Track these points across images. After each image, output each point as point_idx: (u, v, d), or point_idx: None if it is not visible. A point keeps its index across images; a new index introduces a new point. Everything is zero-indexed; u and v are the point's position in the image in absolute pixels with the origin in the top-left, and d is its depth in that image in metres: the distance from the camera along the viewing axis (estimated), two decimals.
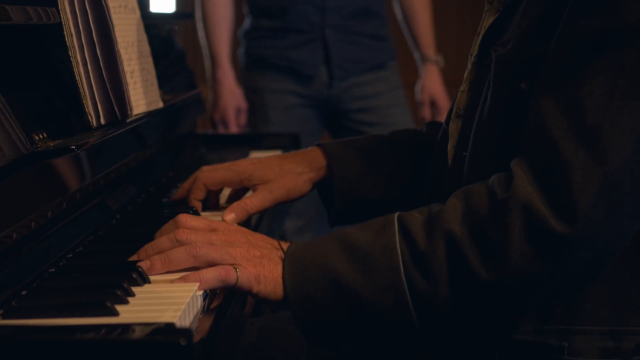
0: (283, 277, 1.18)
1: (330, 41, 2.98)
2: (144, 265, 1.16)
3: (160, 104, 1.74)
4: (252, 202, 1.47)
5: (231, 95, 3.06)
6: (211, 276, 1.15)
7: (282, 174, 1.52)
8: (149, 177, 1.73)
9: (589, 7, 1.11)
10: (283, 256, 1.21)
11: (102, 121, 1.43)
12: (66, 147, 1.25)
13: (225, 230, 1.24)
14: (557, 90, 1.12)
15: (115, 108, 1.46)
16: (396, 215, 1.20)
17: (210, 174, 1.53)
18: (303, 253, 1.20)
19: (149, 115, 1.64)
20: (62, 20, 1.38)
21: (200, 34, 3.13)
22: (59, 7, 1.38)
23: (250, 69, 3.09)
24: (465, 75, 1.37)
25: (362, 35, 3.04)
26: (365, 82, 3.05)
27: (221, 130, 3.08)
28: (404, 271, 1.15)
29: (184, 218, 1.24)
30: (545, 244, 1.10)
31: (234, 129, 3.06)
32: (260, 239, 1.26)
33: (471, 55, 1.36)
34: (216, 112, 3.08)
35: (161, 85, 1.80)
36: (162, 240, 1.20)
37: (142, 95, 1.65)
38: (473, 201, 1.15)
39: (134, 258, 1.20)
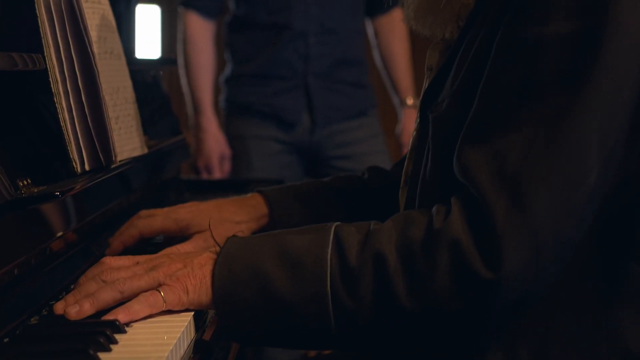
0: (212, 273, 1.19)
1: (312, 88, 2.99)
2: (72, 309, 1.16)
3: (145, 150, 1.74)
4: (185, 248, 1.46)
5: (215, 142, 3.06)
6: (138, 306, 1.16)
7: (221, 222, 1.51)
8: None
9: (509, 62, 1.15)
10: (217, 253, 1.21)
11: (87, 167, 1.43)
12: (50, 194, 1.25)
13: (148, 259, 1.25)
14: (481, 139, 1.15)
15: (100, 154, 1.46)
16: (334, 226, 1.21)
17: (147, 221, 1.51)
18: (237, 251, 1.20)
19: (134, 161, 1.64)
20: (48, 66, 1.39)
21: (183, 81, 3.13)
22: (45, 54, 1.39)
23: (232, 115, 3.10)
24: (411, 142, 1.39)
25: (344, 83, 3.06)
26: (347, 129, 3.07)
27: (205, 177, 3.08)
28: (330, 284, 1.16)
29: (108, 260, 1.26)
30: (469, 285, 1.12)
31: (218, 176, 3.06)
32: (186, 249, 1.26)
33: (415, 121, 1.38)
34: (200, 159, 3.08)
35: (146, 131, 1.81)
36: (88, 283, 1.21)
37: (126, 141, 1.65)
38: (410, 227, 1.16)
39: (60, 304, 1.18)
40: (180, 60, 3.11)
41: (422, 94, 1.37)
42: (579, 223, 1.14)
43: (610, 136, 1.13)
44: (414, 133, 1.39)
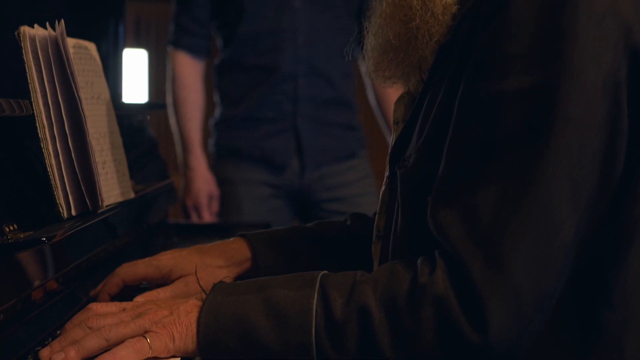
0: (198, 321, 1.18)
1: (302, 131, 3.00)
2: (57, 357, 1.15)
3: (132, 195, 1.74)
4: (165, 293, 1.46)
5: (204, 182, 3.06)
6: (124, 352, 1.15)
7: (204, 267, 1.51)
8: None
9: (472, 119, 1.15)
10: (203, 300, 1.21)
11: (73, 212, 1.42)
12: (36, 239, 1.24)
13: (134, 306, 1.25)
14: (452, 198, 1.15)
15: (87, 199, 1.46)
16: (320, 276, 1.21)
17: (130, 269, 1.50)
18: (223, 299, 1.20)
19: (120, 205, 1.64)
20: (35, 112, 1.40)
21: (172, 120, 3.13)
22: (32, 99, 1.40)
23: (221, 159, 3.10)
24: (380, 196, 1.40)
25: (334, 125, 3.06)
26: (337, 171, 3.07)
27: (194, 217, 3.07)
28: (315, 336, 1.16)
29: (94, 306, 1.25)
30: (454, 343, 1.12)
31: (206, 216, 3.06)
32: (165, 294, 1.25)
33: (385, 175, 1.39)
34: (188, 199, 3.07)
35: (133, 175, 1.81)
36: (74, 330, 1.20)
37: (113, 186, 1.65)
38: (395, 280, 1.16)
39: (46, 351, 1.17)
40: (169, 99, 3.12)
41: (389, 149, 1.37)
42: (558, 276, 1.14)
43: (581, 187, 1.13)
44: (383, 187, 1.39)
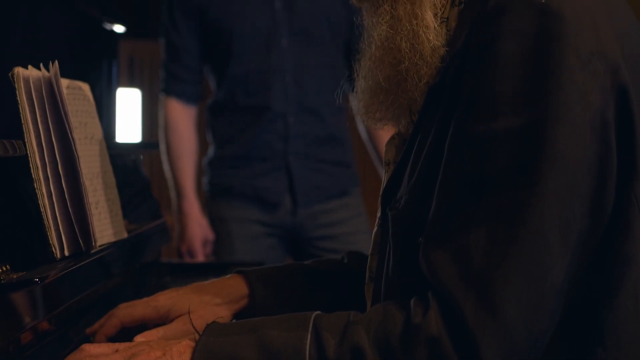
0: None
1: (293, 168, 3.01)
2: None
3: (125, 235, 1.74)
4: (164, 332, 1.44)
5: (198, 227, 3.06)
6: None
7: (201, 305, 1.50)
8: (112, 308, 1.71)
9: (462, 160, 1.16)
10: (196, 341, 1.20)
11: (66, 252, 1.43)
12: (29, 280, 1.24)
13: (127, 347, 1.24)
14: (443, 239, 1.16)
15: (80, 240, 1.46)
16: (313, 316, 1.21)
17: (128, 310, 1.49)
18: (215, 340, 1.20)
19: (113, 245, 1.64)
20: (28, 152, 1.40)
21: (165, 166, 3.14)
22: (25, 140, 1.40)
23: (214, 198, 3.10)
24: (372, 237, 1.40)
25: (326, 162, 3.07)
26: (330, 209, 3.07)
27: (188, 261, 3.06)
28: None
29: (87, 347, 1.25)
30: None
31: (200, 260, 3.05)
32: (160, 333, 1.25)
33: (377, 216, 1.39)
34: (182, 244, 3.07)
35: (126, 215, 1.81)
36: None
37: (106, 226, 1.65)
38: (389, 320, 1.16)
39: None
40: (162, 147, 3.12)
41: (381, 190, 1.38)
42: (549, 316, 1.14)
43: (571, 227, 1.13)
44: (376, 228, 1.39)
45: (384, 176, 1.40)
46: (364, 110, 1.39)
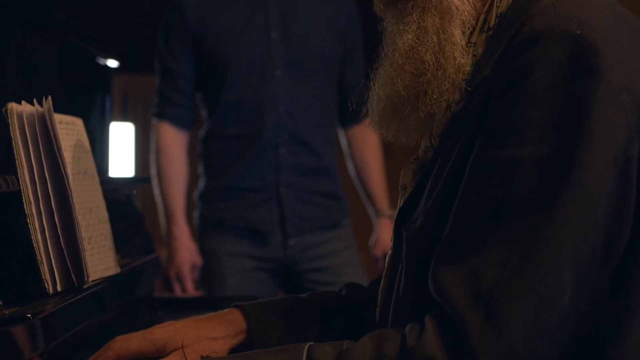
0: None
1: (284, 199, 3.01)
2: None
3: (118, 269, 1.74)
4: None
5: (187, 252, 3.05)
6: None
7: (198, 339, 1.49)
8: (105, 342, 1.71)
9: (484, 182, 1.17)
10: None
11: (59, 288, 1.42)
12: (22, 316, 1.24)
13: None
14: (456, 258, 1.17)
15: (72, 275, 1.46)
16: (307, 346, 1.21)
17: (124, 343, 1.47)
18: None
19: (106, 280, 1.64)
20: (22, 187, 1.40)
21: (156, 190, 3.14)
22: (19, 175, 1.40)
23: (206, 231, 3.10)
24: (386, 261, 1.40)
25: (316, 194, 3.07)
26: (320, 241, 3.07)
27: (176, 287, 3.05)
28: None
29: None
30: None
31: (189, 285, 3.03)
32: None
33: (391, 240, 1.40)
34: (171, 269, 3.06)
35: (119, 249, 1.81)
36: None
37: (99, 261, 1.65)
38: (384, 344, 1.17)
39: None
40: (153, 171, 3.13)
41: (396, 213, 1.38)
42: (554, 342, 1.14)
43: (584, 256, 1.14)
44: (390, 252, 1.39)
45: (399, 200, 1.40)
46: (377, 119, 1.38)
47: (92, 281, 1.56)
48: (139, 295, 2.05)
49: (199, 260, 3.06)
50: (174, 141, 3.10)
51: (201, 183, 3.13)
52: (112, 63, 2.36)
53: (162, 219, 3.13)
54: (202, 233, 3.11)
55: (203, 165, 3.12)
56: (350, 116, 3.21)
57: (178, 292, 3.04)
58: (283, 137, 2.99)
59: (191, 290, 3.03)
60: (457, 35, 1.29)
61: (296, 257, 3.04)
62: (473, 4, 1.31)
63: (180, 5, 3.04)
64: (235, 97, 3.00)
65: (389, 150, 3.28)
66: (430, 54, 1.29)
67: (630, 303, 1.19)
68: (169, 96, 3.07)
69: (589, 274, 1.15)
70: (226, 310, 1.59)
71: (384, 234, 3.23)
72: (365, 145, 3.24)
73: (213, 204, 3.06)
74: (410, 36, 1.32)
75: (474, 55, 1.29)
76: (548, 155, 1.13)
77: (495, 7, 1.29)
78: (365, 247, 3.33)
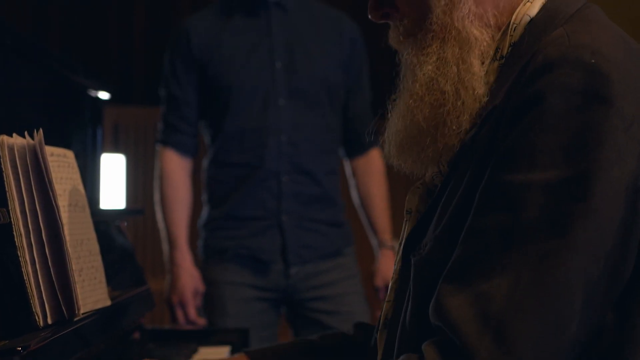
0: None
1: (286, 227, 3.01)
2: None
3: (108, 302, 1.73)
4: None
5: (189, 277, 3.04)
6: None
7: None
8: None
9: (494, 207, 1.17)
10: None
11: (49, 321, 1.42)
12: (12, 349, 1.23)
13: None
14: (464, 282, 1.16)
15: (63, 308, 1.45)
16: None
17: None
18: None
19: (97, 313, 1.63)
20: (12, 220, 1.40)
21: (158, 216, 3.14)
22: (10, 207, 1.40)
23: (208, 261, 3.09)
24: (390, 285, 1.40)
25: (318, 222, 3.07)
26: (322, 270, 3.06)
27: (179, 314, 3.04)
28: None
29: None
30: None
31: (191, 311, 3.02)
32: None
33: (395, 264, 1.39)
34: (174, 295, 3.05)
35: (109, 281, 1.80)
36: None
37: (90, 293, 1.64)
38: None
39: None
40: (156, 197, 3.13)
41: (404, 238, 1.38)
42: None
43: (593, 283, 1.14)
44: (394, 276, 1.39)
45: (404, 225, 1.40)
46: (395, 151, 1.37)
47: (82, 314, 1.55)
48: (130, 327, 2.04)
49: (201, 286, 3.05)
50: (177, 168, 3.11)
51: (204, 211, 3.13)
52: (104, 95, 2.36)
53: (164, 246, 3.13)
54: (205, 262, 3.10)
55: (206, 193, 3.12)
56: (355, 146, 3.22)
57: (181, 318, 3.03)
58: (285, 165, 3.00)
59: (194, 316, 3.02)
60: (476, 65, 1.29)
61: (297, 286, 3.03)
62: (491, 34, 1.32)
63: (185, 31, 3.06)
64: (238, 125, 3.01)
65: (391, 176, 3.28)
66: (450, 85, 1.29)
67: (633, 333, 1.19)
68: (174, 123, 3.08)
69: (595, 302, 1.15)
70: (235, 355, 1.59)
71: (385, 265, 3.22)
72: (370, 176, 3.25)
73: (215, 232, 3.06)
74: (430, 67, 1.32)
75: (485, 83, 1.29)
76: (559, 181, 1.13)
77: (509, 36, 1.30)
78: (370, 275, 3.32)
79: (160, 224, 3.13)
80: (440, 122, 1.30)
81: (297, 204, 3.02)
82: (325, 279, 3.06)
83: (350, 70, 3.15)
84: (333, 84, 3.09)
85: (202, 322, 3.03)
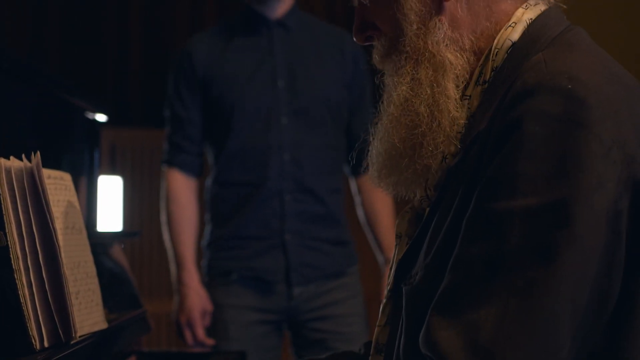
0: None
1: (289, 247, 3.00)
2: None
3: (105, 325, 1.73)
4: None
5: (197, 297, 3.03)
6: None
7: None
8: None
9: (479, 235, 1.17)
10: None
11: (46, 344, 1.41)
12: None
13: None
14: (453, 312, 1.16)
15: (60, 330, 1.45)
16: None
17: None
18: None
19: (94, 336, 1.63)
20: (9, 243, 1.40)
21: (165, 236, 3.13)
22: (7, 231, 1.40)
23: (212, 282, 3.08)
24: (381, 308, 1.40)
25: (322, 241, 3.06)
26: (325, 290, 3.05)
27: (187, 334, 3.02)
28: None
29: None
30: None
31: (200, 331, 3.01)
32: None
33: (387, 286, 1.39)
34: (182, 315, 3.04)
35: (106, 304, 1.80)
36: None
37: (87, 316, 1.64)
38: None
39: None
40: (163, 217, 3.13)
41: (395, 264, 1.38)
42: None
43: (580, 310, 1.14)
44: (384, 300, 1.39)
45: (395, 249, 1.40)
46: (376, 173, 1.39)
47: (79, 336, 1.55)
48: (127, 350, 2.04)
49: (209, 306, 3.04)
50: (183, 188, 3.11)
51: (207, 230, 3.13)
52: (101, 117, 2.36)
53: (172, 266, 3.12)
54: (209, 284, 3.09)
55: (209, 212, 3.12)
56: (359, 165, 3.21)
57: (189, 339, 3.02)
58: (288, 184, 3.00)
59: (202, 336, 3.01)
60: (451, 89, 1.30)
61: (300, 307, 3.02)
62: (467, 58, 1.32)
63: (188, 51, 3.08)
64: (240, 144, 3.01)
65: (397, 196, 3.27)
66: (424, 106, 1.30)
67: (623, 355, 1.18)
68: (179, 143, 3.09)
69: (583, 328, 1.15)
70: None
71: None
72: (375, 194, 3.24)
73: (219, 252, 3.06)
74: (404, 87, 1.33)
75: (468, 108, 1.30)
76: (540, 207, 1.13)
77: (490, 61, 1.31)
78: (374, 295, 3.30)
79: (168, 244, 3.13)
80: (416, 143, 1.31)
81: (300, 223, 3.02)
82: (328, 299, 3.06)
83: (352, 89, 3.15)
84: (335, 102, 3.09)
85: (210, 342, 3.02)
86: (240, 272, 3.00)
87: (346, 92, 3.12)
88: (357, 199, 3.28)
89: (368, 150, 1.43)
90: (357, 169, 3.23)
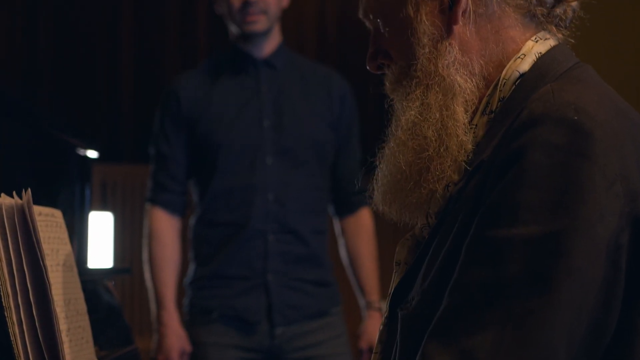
0: None
1: (271, 287, 2.99)
2: None
3: None
4: None
5: (176, 338, 3.02)
6: None
7: None
8: None
9: (477, 263, 1.17)
10: None
11: None
12: None
13: None
14: (448, 339, 1.16)
15: None
16: None
17: None
18: None
19: None
20: (0, 281, 1.39)
21: (146, 275, 3.13)
22: None
23: (194, 320, 3.07)
24: (377, 336, 1.40)
25: (305, 282, 3.05)
26: (308, 330, 3.04)
27: None
28: None
29: None
30: None
31: None
32: None
33: (383, 315, 1.39)
34: (160, 355, 3.03)
35: (97, 341, 1.79)
36: None
37: (77, 354, 1.63)
38: None
39: None
40: (145, 255, 3.13)
41: (391, 289, 1.38)
42: None
43: (576, 341, 1.14)
44: (381, 327, 1.38)
45: (393, 276, 1.40)
46: (381, 197, 1.38)
47: None
48: None
49: (188, 347, 3.03)
50: (166, 227, 3.11)
51: (191, 269, 3.12)
52: (92, 153, 2.37)
53: (152, 305, 3.11)
54: (190, 322, 3.08)
55: (193, 252, 3.12)
56: (344, 205, 3.22)
57: None
58: (271, 224, 3.00)
59: None
60: (460, 113, 1.30)
61: (283, 347, 3.01)
62: (476, 83, 1.33)
63: (175, 89, 3.08)
64: (225, 184, 3.01)
65: (380, 234, 3.28)
66: (432, 130, 1.30)
67: None
68: (163, 182, 3.09)
69: (579, 359, 1.15)
70: None
71: (371, 327, 3.20)
72: (359, 236, 3.24)
73: (201, 291, 3.05)
74: (413, 112, 1.33)
75: (474, 137, 1.30)
76: (540, 236, 1.13)
77: (498, 91, 1.31)
78: (357, 336, 3.30)
79: (149, 283, 3.12)
80: (423, 167, 1.31)
81: (283, 264, 3.01)
82: (311, 339, 3.04)
83: (339, 129, 3.16)
84: (321, 143, 3.10)
85: None
86: (221, 310, 3.00)
87: (332, 132, 3.13)
88: (340, 241, 3.28)
89: (362, 188, 1.43)
90: (342, 210, 3.24)
